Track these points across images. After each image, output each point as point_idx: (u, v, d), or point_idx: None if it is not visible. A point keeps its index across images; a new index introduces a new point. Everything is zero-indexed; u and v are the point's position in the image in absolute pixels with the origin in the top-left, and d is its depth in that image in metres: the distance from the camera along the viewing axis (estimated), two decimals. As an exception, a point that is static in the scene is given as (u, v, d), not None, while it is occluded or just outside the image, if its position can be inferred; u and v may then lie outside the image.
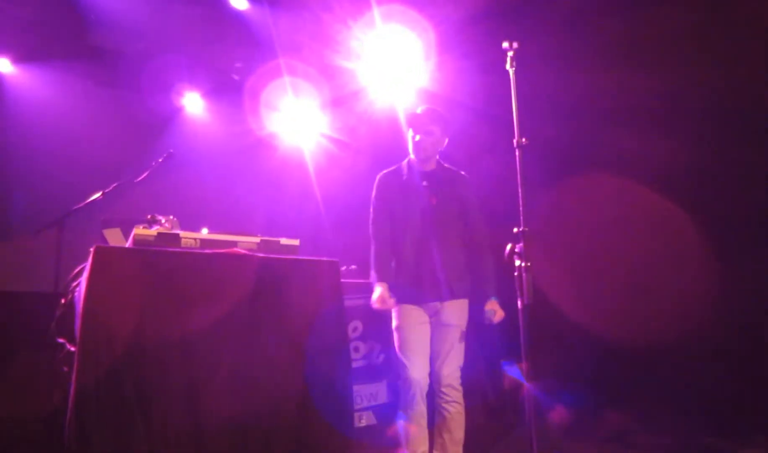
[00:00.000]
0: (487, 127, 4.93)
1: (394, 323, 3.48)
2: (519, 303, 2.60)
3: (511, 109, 2.82)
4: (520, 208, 2.70)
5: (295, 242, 3.03)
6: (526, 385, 2.66)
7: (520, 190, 2.73)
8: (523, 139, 2.75)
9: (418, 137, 3.58)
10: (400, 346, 3.42)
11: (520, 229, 2.64)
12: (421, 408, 3.38)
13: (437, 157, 3.71)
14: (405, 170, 3.70)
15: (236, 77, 6.42)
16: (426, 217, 3.53)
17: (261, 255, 2.86)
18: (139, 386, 2.47)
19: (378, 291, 3.36)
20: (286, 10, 5.73)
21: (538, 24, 4.73)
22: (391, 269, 3.51)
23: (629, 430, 4.33)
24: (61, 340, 3.00)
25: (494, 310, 3.42)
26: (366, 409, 4.39)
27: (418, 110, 3.68)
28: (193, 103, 6.66)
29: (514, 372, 4.39)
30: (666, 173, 4.47)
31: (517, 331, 2.65)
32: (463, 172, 3.73)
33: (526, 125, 2.79)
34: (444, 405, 3.40)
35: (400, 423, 3.40)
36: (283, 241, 3.00)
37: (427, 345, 3.46)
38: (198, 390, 2.57)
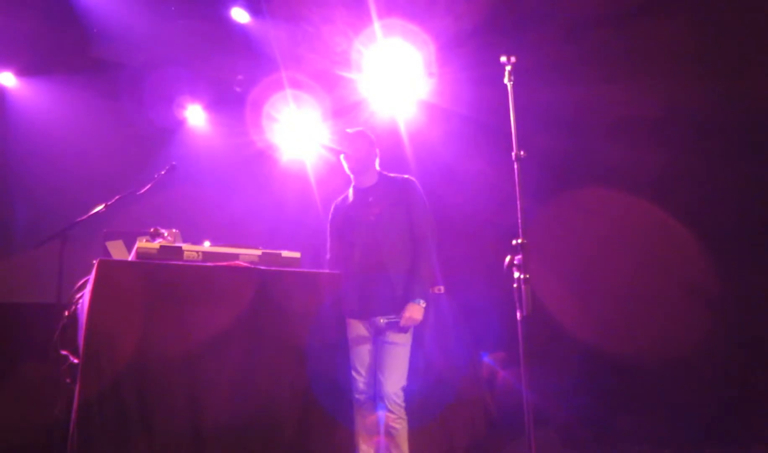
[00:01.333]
0: (485, 139, 4.96)
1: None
2: (518, 314, 2.63)
3: (509, 121, 2.86)
4: (519, 220, 2.73)
5: (297, 255, 3.05)
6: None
7: (518, 203, 2.76)
8: (522, 152, 2.78)
9: (341, 157, 3.72)
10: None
11: (519, 241, 2.67)
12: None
13: (376, 169, 3.77)
14: (350, 192, 3.80)
15: (238, 89, 6.46)
16: (372, 231, 3.58)
17: (262, 268, 2.89)
18: (141, 398, 2.49)
19: None
20: (287, 23, 5.77)
21: (536, 37, 4.77)
22: None
23: (629, 440, 4.34)
24: (64, 352, 3.02)
25: (408, 316, 3.42)
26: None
27: (342, 132, 3.81)
28: (195, 116, 6.70)
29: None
30: (664, 184, 4.49)
31: (516, 341, 2.67)
32: (406, 176, 3.78)
33: (524, 137, 2.83)
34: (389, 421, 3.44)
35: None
36: (285, 253, 3.03)
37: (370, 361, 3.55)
38: (200, 401, 2.59)
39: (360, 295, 3.50)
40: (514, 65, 2.83)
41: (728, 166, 4.29)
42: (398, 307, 3.45)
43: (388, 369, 3.45)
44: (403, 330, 3.46)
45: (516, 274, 2.62)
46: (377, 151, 3.78)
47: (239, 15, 5.82)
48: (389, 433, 3.42)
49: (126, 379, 2.47)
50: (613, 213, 4.67)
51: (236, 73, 6.37)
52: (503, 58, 2.84)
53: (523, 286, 2.59)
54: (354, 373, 3.48)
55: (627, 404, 4.56)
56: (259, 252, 2.98)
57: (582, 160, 4.89)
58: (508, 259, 2.65)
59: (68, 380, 2.89)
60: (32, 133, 5.71)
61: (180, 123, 6.67)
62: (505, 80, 2.86)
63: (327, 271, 3.37)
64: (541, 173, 4.34)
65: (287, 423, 2.71)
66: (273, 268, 2.91)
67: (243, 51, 6.10)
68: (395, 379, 3.44)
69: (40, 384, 3.58)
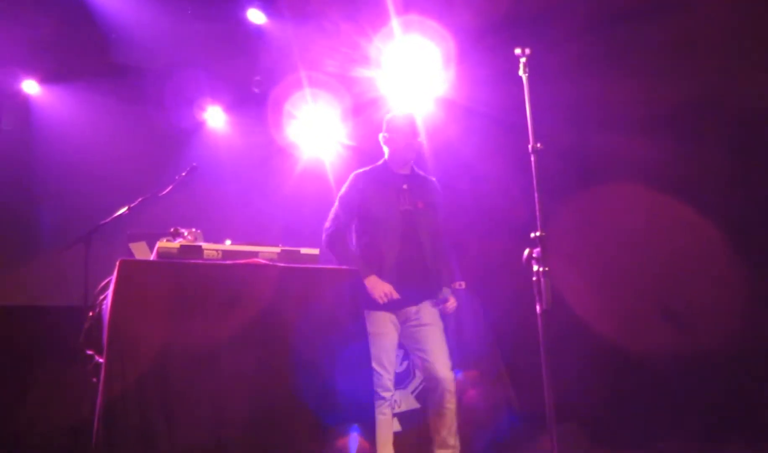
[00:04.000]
0: (504, 135, 4.93)
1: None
2: (537, 308, 2.62)
3: (521, 112, 2.85)
4: (537, 213, 2.72)
5: (315, 252, 3.07)
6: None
7: (536, 195, 2.75)
8: (538, 144, 2.77)
9: (414, 141, 3.69)
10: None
11: (538, 234, 2.66)
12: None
13: (412, 163, 3.81)
14: (384, 172, 3.74)
15: (256, 90, 6.50)
16: (410, 220, 3.58)
17: (281, 265, 2.91)
18: (164, 396, 2.52)
19: (373, 280, 3.43)
20: (304, 22, 5.80)
21: (556, 32, 4.74)
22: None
23: (650, 437, 4.29)
24: (89, 352, 3.07)
25: (446, 298, 3.57)
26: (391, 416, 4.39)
27: (403, 115, 3.72)
28: (215, 117, 6.75)
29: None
30: (687, 180, 4.43)
31: (536, 335, 2.66)
32: (433, 178, 3.85)
33: (543, 132, 2.81)
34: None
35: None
36: (304, 250, 3.05)
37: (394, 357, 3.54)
38: (222, 400, 2.62)
39: (398, 283, 3.47)
40: (528, 57, 2.82)
41: (754, 162, 4.22)
42: (433, 294, 3.58)
43: (438, 350, 3.50)
44: (443, 312, 3.59)
45: (535, 267, 2.62)
46: None
47: (255, 16, 5.86)
48: (443, 414, 3.45)
49: (148, 376, 2.50)
50: (634, 208, 4.61)
51: (254, 74, 6.40)
52: (517, 51, 2.83)
53: (542, 280, 2.58)
54: (379, 369, 3.40)
55: (650, 400, 4.50)
56: (278, 249, 3.00)
57: (603, 155, 4.84)
58: (526, 252, 2.65)
59: (94, 379, 2.94)
60: (56, 139, 5.81)
61: (200, 124, 6.73)
62: (520, 72, 2.85)
63: (351, 268, 3.31)
64: (561, 168, 4.31)
65: (307, 421, 2.72)
66: (292, 265, 2.93)
67: (260, 52, 6.14)
68: (446, 359, 3.50)
69: (68, 385, 3.66)
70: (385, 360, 3.47)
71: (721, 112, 4.33)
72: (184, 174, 4.00)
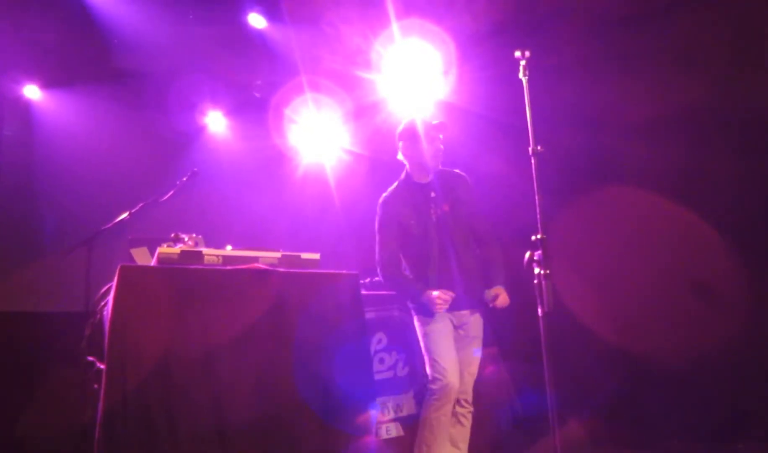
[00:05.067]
0: (505, 138, 4.93)
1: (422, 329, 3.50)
2: (539, 311, 2.61)
3: (522, 114, 2.84)
4: (538, 216, 2.72)
5: (316, 256, 3.07)
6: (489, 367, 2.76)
7: (537, 198, 2.74)
8: (539, 147, 2.77)
9: (436, 146, 3.61)
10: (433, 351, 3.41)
11: (538, 237, 2.65)
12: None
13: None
14: (409, 187, 3.68)
15: (257, 94, 6.51)
16: (441, 227, 3.55)
17: (282, 270, 2.91)
18: (165, 401, 2.53)
19: (430, 294, 3.38)
20: (305, 26, 5.80)
21: (556, 35, 4.74)
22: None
23: (657, 435, 4.28)
24: (91, 359, 3.08)
25: (498, 294, 3.48)
26: (393, 420, 4.39)
27: (427, 119, 3.69)
28: (215, 122, 6.76)
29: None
30: (687, 183, 4.42)
31: (538, 338, 2.65)
32: (458, 170, 3.77)
33: (543, 135, 2.81)
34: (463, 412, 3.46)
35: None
36: (304, 255, 3.05)
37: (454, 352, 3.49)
38: (223, 404, 2.62)
39: (450, 287, 3.46)
40: (528, 60, 2.82)
41: (753, 165, 4.21)
42: (476, 302, 3.54)
43: (474, 365, 3.52)
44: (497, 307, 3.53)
45: (536, 270, 2.61)
46: None
47: (256, 20, 5.87)
48: (462, 424, 3.48)
49: (150, 382, 2.51)
50: (636, 211, 4.60)
51: (255, 78, 6.42)
52: (517, 53, 2.83)
53: (543, 282, 2.57)
54: (440, 360, 3.36)
55: (653, 401, 4.49)
56: (278, 254, 3.00)
57: (603, 157, 4.83)
58: (527, 254, 2.64)
59: (96, 386, 2.94)
60: (57, 144, 5.81)
61: (201, 129, 6.73)
62: (520, 75, 2.84)
63: (351, 272, 3.31)
64: (561, 171, 4.29)
65: (309, 424, 2.72)
66: (292, 270, 2.93)
67: (261, 56, 6.16)
68: (471, 378, 3.52)
69: (69, 392, 3.64)
70: (449, 357, 3.40)
71: (725, 115, 4.31)
72: (185, 179, 4.01)
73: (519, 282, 3.40)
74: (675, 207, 4.39)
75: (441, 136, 3.68)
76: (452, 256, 3.53)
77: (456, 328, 3.55)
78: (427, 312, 3.44)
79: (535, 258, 2.61)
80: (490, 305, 3.52)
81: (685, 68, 4.41)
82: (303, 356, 2.78)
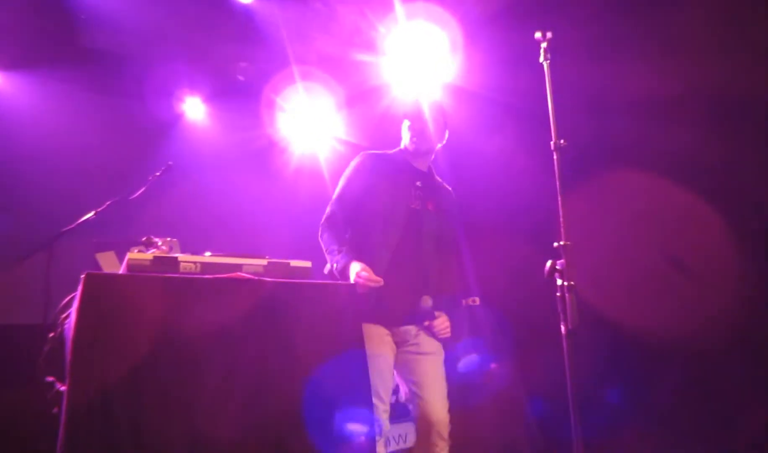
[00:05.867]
0: (519, 125, 4.90)
1: None
2: (562, 327, 2.57)
3: (544, 105, 2.80)
4: (560, 219, 2.68)
5: (307, 264, 3.01)
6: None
7: (559, 198, 2.71)
8: (562, 141, 2.73)
9: (418, 127, 3.57)
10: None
11: (561, 243, 2.61)
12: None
13: (432, 158, 3.70)
14: (398, 160, 3.62)
15: (241, 78, 6.48)
16: (416, 222, 3.44)
17: (268, 280, 2.86)
18: (135, 430, 2.47)
19: (357, 267, 3.20)
20: (296, 2, 5.77)
21: (572, 12, 4.71)
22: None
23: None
24: (50, 379, 3.03)
25: (442, 318, 3.40)
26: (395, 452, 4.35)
27: (420, 99, 3.66)
28: (194, 108, 6.73)
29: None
30: (725, 176, 4.42)
31: (561, 358, 2.62)
32: (449, 187, 3.75)
33: (566, 125, 2.78)
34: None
35: None
36: (294, 263, 2.99)
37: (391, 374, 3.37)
38: (201, 433, 2.57)
39: (395, 292, 3.28)
40: (550, 42, 2.78)
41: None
42: (432, 313, 3.40)
43: (435, 388, 3.32)
44: (439, 337, 3.41)
45: (559, 281, 2.57)
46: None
47: (242, -6, 5.83)
48: None
49: (118, 409, 2.45)
50: (667, 209, 4.60)
51: (239, 60, 6.37)
52: (538, 34, 2.80)
53: (567, 296, 2.54)
54: (375, 400, 3.10)
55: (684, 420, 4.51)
56: (264, 262, 2.95)
57: (632, 149, 4.82)
58: (549, 264, 2.61)
59: (55, 410, 2.90)
60: (15, 132, 5.75)
61: (177, 117, 6.71)
62: (541, 59, 2.81)
63: (349, 282, 3.25)
64: (585, 166, 4.28)
65: (300, 441, 2.68)
66: (280, 280, 2.88)
67: (246, 35, 6.10)
68: (443, 400, 3.33)
69: (24, 417, 3.61)
70: (380, 386, 3.21)
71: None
72: (158, 174, 3.97)
73: (533, 289, 3.37)
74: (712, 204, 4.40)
75: (447, 134, 3.70)
76: (416, 259, 3.39)
77: (399, 346, 3.40)
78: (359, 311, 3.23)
79: (558, 267, 2.57)
80: (425, 323, 3.39)
81: (716, 48, 4.41)
82: (293, 376, 2.73)
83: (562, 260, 2.58)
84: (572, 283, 2.54)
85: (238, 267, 2.91)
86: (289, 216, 6.22)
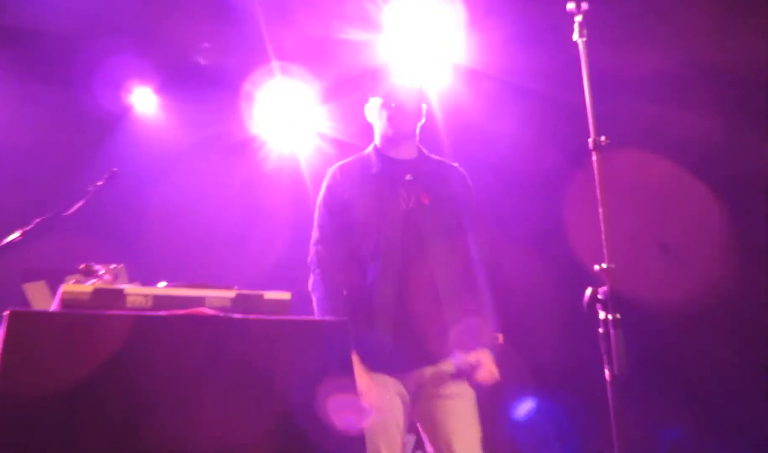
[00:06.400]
0: (545, 117, 4.93)
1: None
2: (606, 373, 2.55)
3: (578, 92, 2.80)
4: (603, 235, 2.66)
5: (286, 296, 3.00)
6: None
7: (601, 210, 2.69)
8: (602, 138, 2.72)
9: (394, 104, 3.50)
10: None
11: (604, 266, 2.60)
12: None
13: (417, 140, 3.63)
14: (374, 160, 3.58)
15: (203, 61, 6.50)
16: (411, 226, 3.38)
17: (237, 316, 2.85)
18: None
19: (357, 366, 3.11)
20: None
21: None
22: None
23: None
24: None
25: (479, 363, 3.29)
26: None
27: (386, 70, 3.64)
28: (144, 100, 6.74)
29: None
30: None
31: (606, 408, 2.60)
32: (455, 163, 3.68)
33: (606, 117, 2.78)
34: None
35: None
36: (269, 294, 2.97)
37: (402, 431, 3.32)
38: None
39: (403, 332, 3.26)
40: (586, 15, 2.78)
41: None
42: (450, 349, 3.33)
43: (467, 438, 3.26)
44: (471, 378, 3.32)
45: (602, 315, 2.56)
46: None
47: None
48: None
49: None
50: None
51: (200, 40, 6.39)
52: (571, 5, 2.79)
53: (612, 332, 2.52)
54: None
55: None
56: (232, 294, 2.94)
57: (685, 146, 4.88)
58: (588, 292, 2.59)
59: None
60: None
61: (125, 111, 6.72)
62: (575, 36, 2.81)
63: (339, 319, 3.25)
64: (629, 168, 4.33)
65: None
66: (252, 317, 2.87)
67: (211, 9, 6.13)
68: (476, 448, 3.28)
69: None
70: (385, 447, 3.21)
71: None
72: (100, 184, 3.97)
73: (567, 325, 3.36)
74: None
75: (415, 94, 3.59)
76: (420, 274, 3.33)
77: (414, 394, 3.37)
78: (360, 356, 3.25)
79: (600, 297, 2.56)
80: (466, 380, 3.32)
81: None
82: (266, 435, 2.72)
83: (604, 288, 2.56)
84: (618, 316, 2.52)
85: (199, 300, 2.90)
86: (264, 235, 6.21)
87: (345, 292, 3.42)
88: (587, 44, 2.80)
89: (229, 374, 2.71)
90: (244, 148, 6.68)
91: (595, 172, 2.71)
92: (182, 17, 6.10)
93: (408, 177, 3.49)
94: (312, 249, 3.52)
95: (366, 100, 3.68)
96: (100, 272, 3.04)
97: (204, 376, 2.67)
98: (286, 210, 6.23)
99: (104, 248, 3.55)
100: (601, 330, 2.56)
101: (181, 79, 6.60)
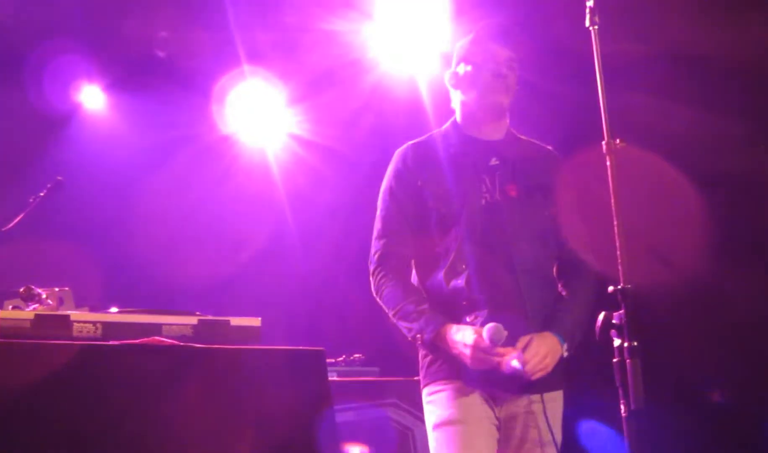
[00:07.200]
0: (553, 114, 4.95)
1: (437, 417, 3.14)
2: (622, 407, 2.55)
3: (590, 87, 2.80)
4: (618, 252, 2.66)
5: (255, 322, 2.99)
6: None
7: (615, 222, 2.68)
8: (617, 141, 2.71)
9: (504, 71, 3.30)
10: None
11: (620, 288, 2.59)
12: None
13: (507, 119, 3.43)
14: (452, 138, 3.40)
15: (161, 53, 6.51)
16: (494, 221, 3.19)
17: (199, 346, 2.84)
18: None
19: (463, 336, 3.00)
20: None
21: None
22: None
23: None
24: None
25: (531, 343, 2.99)
26: None
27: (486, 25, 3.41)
28: (93, 97, 6.74)
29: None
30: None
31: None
32: (549, 147, 3.49)
33: (620, 117, 2.78)
34: None
35: None
36: (236, 320, 2.97)
37: None
38: None
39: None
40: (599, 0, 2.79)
41: None
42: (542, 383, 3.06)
43: None
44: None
45: (616, 342, 2.55)
46: None
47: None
48: None
49: None
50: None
51: (158, 29, 6.40)
52: (582, -11, 2.80)
53: (628, 362, 2.51)
54: None
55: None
56: (193, 320, 2.93)
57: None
58: (601, 317, 2.58)
59: None
60: None
61: (73, 109, 6.73)
62: (587, 23, 2.81)
63: (314, 348, 3.24)
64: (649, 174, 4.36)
65: None
66: (216, 347, 2.86)
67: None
68: None
69: None
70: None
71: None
72: (42, 194, 3.97)
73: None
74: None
75: (517, 59, 3.38)
76: (506, 279, 3.13)
77: (498, 428, 3.17)
78: (445, 374, 3.12)
79: (615, 322, 2.55)
80: (510, 365, 2.92)
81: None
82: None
83: (620, 311, 2.55)
84: (635, 343, 2.51)
85: (156, 328, 2.89)
86: (230, 250, 6.21)
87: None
88: (600, 32, 2.80)
89: (189, 411, 2.69)
90: (209, 151, 6.69)
91: (610, 178, 2.70)
92: (137, 5, 6.14)
93: (493, 161, 3.30)
94: (374, 245, 3.36)
95: (449, 66, 3.49)
96: (43, 296, 3.03)
97: (160, 414, 2.66)
98: (255, 222, 6.23)
99: (47, 268, 3.51)
100: (615, 359, 2.55)
101: (137, 73, 6.64)
